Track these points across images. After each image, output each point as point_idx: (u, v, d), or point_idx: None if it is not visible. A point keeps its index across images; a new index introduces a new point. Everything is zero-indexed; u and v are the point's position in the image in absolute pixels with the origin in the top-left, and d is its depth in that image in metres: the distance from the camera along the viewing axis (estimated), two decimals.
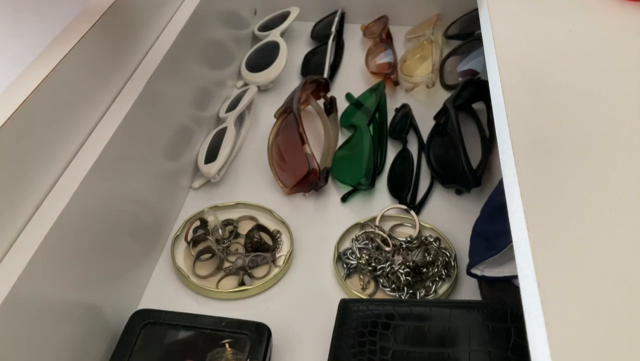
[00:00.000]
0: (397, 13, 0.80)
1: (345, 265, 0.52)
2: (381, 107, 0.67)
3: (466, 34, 0.76)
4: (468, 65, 0.71)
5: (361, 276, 0.51)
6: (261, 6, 0.84)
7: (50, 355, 0.37)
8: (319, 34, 0.81)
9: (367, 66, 0.74)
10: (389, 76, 0.71)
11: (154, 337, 0.44)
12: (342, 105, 0.70)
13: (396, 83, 0.72)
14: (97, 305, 0.43)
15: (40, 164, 0.38)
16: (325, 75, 0.73)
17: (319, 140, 0.66)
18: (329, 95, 0.70)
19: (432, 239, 0.52)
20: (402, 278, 0.49)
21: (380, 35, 0.76)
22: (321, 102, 0.70)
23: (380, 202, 0.58)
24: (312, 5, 0.81)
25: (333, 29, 0.78)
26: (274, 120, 0.64)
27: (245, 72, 0.74)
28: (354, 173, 0.59)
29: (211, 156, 0.60)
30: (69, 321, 0.39)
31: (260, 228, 0.55)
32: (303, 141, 0.58)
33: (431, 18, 0.79)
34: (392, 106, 0.69)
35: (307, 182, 0.57)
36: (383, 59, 0.74)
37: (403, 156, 0.63)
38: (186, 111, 0.59)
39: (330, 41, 0.77)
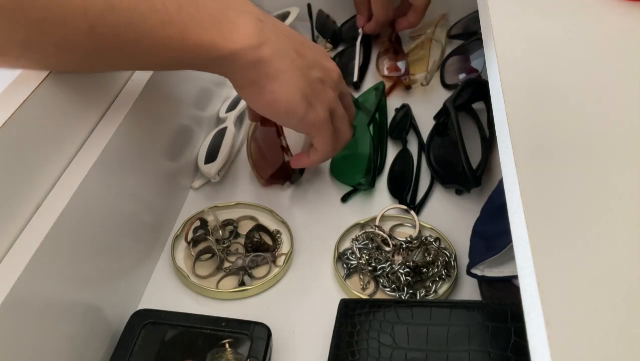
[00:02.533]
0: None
1: (345, 265, 0.52)
2: (381, 107, 0.67)
3: (469, 34, 0.75)
4: (469, 65, 0.71)
5: (361, 276, 0.51)
6: (261, 7, 0.84)
7: (50, 355, 0.37)
8: (347, 36, 0.80)
9: (377, 69, 0.74)
10: (400, 79, 0.71)
11: (154, 337, 0.44)
12: None
13: (408, 87, 0.71)
14: (97, 305, 0.43)
15: (40, 164, 0.38)
16: (355, 78, 0.72)
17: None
18: None
19: (432, 239, 0.52)
20: (402, 278, 0.49)
21: (390, 39, 0.76)
22: None
23: (380, 202, 0.58)
24: (312, 5, 0.81)
25: (360, 30, 0.78)
26: None
27: None
28: (354, 173, 0.59)
29: (211, 156, 0.60)
30: (69, 321, 0.39)
31: (260, 228, 0.55)
32: (279, 133, 0.58)
33: (436, 17, 0.79)
34: (392, 106, 0.69)
35: (281, 174, 0.57)
36: (394, 62, 0.73)
37: (403, 156, 0.63)
38: (186, 111, 0.59)
39: (357, 43, 0.75)
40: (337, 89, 0.49)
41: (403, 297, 0.49)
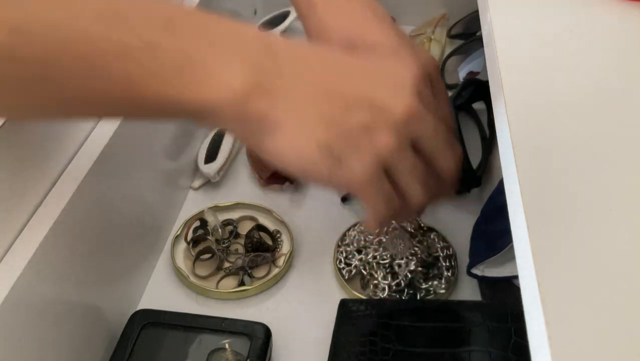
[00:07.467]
0: (403, 13, 0.80)
1: (345, 265, 0.52)
2: None
3: (470, 34, 0.75)
4: (469, 65, 0.71)
5: (361, 276, 0.51)
6: (261, 6, 0.84)
7: (50, 355, 0.37)
8: None
9: None
10: None
11: (154, 337, 0.44)
12: None
13: None
14: (97, 305, 0.43)
15: (41, 164, 0.38)
16: None
17: None
18: None
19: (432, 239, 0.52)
20: (402, 278, 0.49)
21: None
22: None
23: None
24: None
25: None
26: None
27: None
28: None
29: (211, 156, 0.60)
30: (69, 321, 0.39)
31: (260, 228, 0.55)
32: None
33: (436, 17, 0.79)
34: None
35: (281, 174, 0.57)
36: None
37: None
38: None
39: None
40: (400, 133, 0.32)
41: (403, 297, 0.49)
